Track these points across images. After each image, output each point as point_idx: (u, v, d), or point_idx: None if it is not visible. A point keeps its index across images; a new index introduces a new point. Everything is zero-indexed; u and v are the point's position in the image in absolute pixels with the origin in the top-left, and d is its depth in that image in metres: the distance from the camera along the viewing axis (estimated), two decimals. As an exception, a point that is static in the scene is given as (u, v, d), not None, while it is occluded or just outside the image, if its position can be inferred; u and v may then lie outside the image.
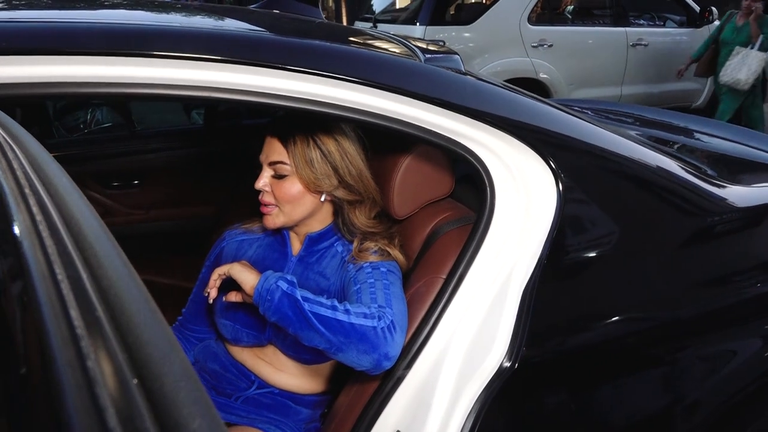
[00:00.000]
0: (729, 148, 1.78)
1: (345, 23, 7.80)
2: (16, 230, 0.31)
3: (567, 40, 5.67)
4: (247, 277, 1.10)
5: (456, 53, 1.23)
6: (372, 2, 6.44)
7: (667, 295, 1.17)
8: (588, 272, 1.13)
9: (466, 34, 5.40)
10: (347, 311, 1.06)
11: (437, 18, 5.37)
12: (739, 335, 1.23)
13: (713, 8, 6.23)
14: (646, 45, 5.95)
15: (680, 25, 6.50)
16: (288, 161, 1.18)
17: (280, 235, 1.30)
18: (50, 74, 0.83)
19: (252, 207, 1.32)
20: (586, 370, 1.14)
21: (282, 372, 1.27)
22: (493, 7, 5.45)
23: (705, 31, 5.99)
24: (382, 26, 5.41)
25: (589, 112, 1.76)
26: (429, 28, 5.24)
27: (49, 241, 0.30)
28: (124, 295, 0.29)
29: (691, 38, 6.15)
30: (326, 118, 1.16)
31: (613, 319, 1.13)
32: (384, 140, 1.28)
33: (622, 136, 1.24)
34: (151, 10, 1.26)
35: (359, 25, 5.99)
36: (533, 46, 5.47)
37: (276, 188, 1.20)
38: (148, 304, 0.29)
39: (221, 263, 1.30)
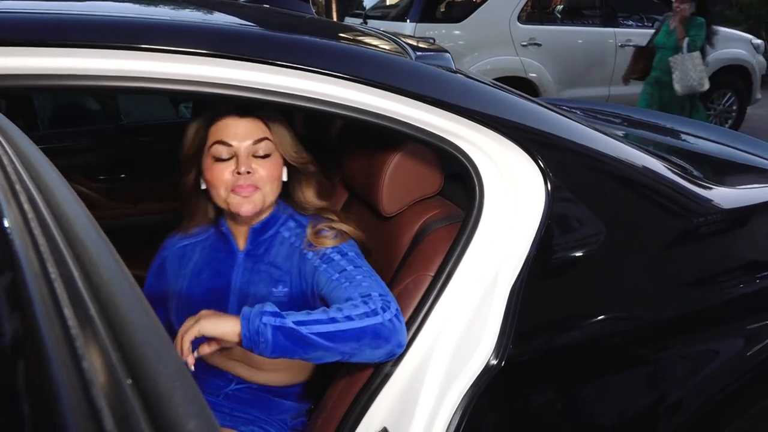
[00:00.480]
0: (714, 149, 1.80)
1: (335, 19, 7.78)
2: (7, 227, 0.30)
3: (556, 40, 5.70)
4: (225, 328, 1.00)
5: (447, 51, 1.23)
6: (362, -2, 6.43)
7: (652, 294, 1.18)
8: (575, 271, 1.14)
9: (456, 32, 5.42)
10: (348, 317, 1.02)
11: (427, 15, 5.38)
12: (723, 335, 1.24)
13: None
14: (634, 46, 5.99)
15: (668, 26, 6.54)
16: (271, 137, 1.16)
17: (221, 233, 1.25)
18: (36, 66, 0.82)
19: (186, 206, 1.28)
20: (572, 368, 1.15)
21: (257, 369, 1.25)
22: (484, 6, 5.47)
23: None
24: (372, 22, 5.41)
25: (578, 112, 1.77)
26: (419, 25, 5.25)
27: (41, 239, 0.30)
28: (117, 293, 0.28)
29: (679, 39, 6.19)
30: (316, 114, 1.15)
31: (599, 318, 1.14)
32: (373, 137, 1.28)
33: (610, 136, 1.25)
34: (140, 3, 1.25)
35: (349, 21, 5.98)
36: (523, 45, 5.49)
37: (262, 168, 1.15)
38: (141, 303, 0.29)
39: (166, 274, 1.27)
